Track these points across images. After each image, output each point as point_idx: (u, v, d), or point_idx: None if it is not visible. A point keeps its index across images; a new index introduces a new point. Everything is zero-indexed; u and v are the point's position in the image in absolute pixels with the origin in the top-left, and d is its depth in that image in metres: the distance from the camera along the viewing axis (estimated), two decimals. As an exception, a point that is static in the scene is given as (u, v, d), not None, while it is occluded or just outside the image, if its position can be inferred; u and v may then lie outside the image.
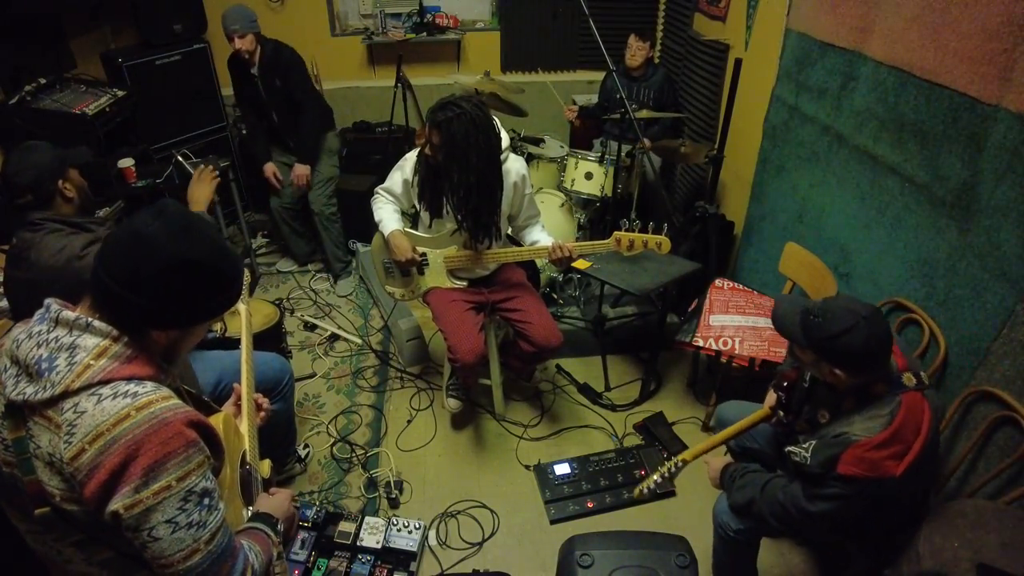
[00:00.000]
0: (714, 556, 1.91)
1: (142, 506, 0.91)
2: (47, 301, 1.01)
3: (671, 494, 2.41)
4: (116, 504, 0.90)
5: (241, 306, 1.71)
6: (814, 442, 1.53)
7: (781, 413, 1.78)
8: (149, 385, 0.97)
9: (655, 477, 1.82)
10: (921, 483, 1.64)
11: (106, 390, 0.93)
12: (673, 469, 1.82)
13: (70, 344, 0.95)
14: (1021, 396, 1.69)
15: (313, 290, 3.67)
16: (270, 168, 3.45)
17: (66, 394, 0.92)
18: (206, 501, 0.98)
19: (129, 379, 0.96)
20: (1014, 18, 1.64)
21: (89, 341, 0.96)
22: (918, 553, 1.54)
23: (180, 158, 2.47)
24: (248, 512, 1.28)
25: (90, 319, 0.97)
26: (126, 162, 3.01)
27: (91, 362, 0.94)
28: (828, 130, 2.48)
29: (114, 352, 0.96)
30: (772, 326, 2.37)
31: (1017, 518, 1.57)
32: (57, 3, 3.12)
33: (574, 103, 4.36)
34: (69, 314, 0.97)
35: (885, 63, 2.14)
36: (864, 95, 2.26)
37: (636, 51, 3.57)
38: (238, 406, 1.48)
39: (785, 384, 1.79)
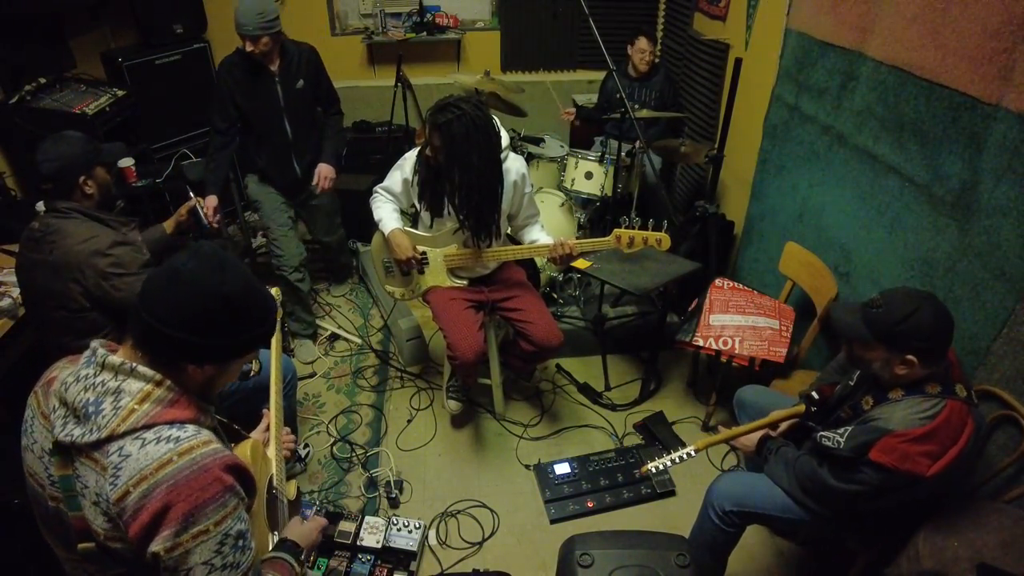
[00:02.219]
0: (691, 534, 1.93)
1: (181, 548, 0.95)
2: (93, 344, 1.04)
3: (671, 494, 2.41)
4: (157, 546, 0.94)
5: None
6: (851, 428, 1.55)
7: (809, 422, 1.81)
8: (190, 429, 1.01)
9: (666, 460, 1.82)
10: (946, 491, 1.64)
11: (150, 434, 0.98)
12: (684, 456, 1.81)
13: (116, 388, 0.99)
14: (1021, 396, 1.69)
15: (313, 290, 3.67)
16: (213, 201, 2.62)
17: (112, 438, 0.97)
18: (240, 543, 1.02)
19: (172, 423, 1.00)
20: (1014, 17, 1.64)
21: (134, 386, 1.00)
22: (918, 552, 1.54)
23: (195, 199, 2.27)
24: (274, 537, 1.30)
25: (134, 364, 1.01)
26: (126, 162, 3.02)
27: (135, 407, 0.98)
28: (828, 130, 2.48)
29: (157, 396, 1.01)
30: (772, 326, 2.40)
31: (1017, 517, 1.57)
32: (57, 3, 3.13)
33: (574, 104, 4.36)
34: (115, 359, 1.01)
35: (885, 63, 2.13)
36: (864, 95, 2.26)
37: (648, 55, 3.59)
38: (267, 429, 1.53)
39: (818, 398, 1.81)
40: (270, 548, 1.26)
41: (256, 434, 1.52)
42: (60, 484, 1.01)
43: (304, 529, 1.32)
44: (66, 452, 1.00)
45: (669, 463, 1.82)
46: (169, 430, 0.99)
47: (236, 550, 1.01)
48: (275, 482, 1.40)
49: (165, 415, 1.00)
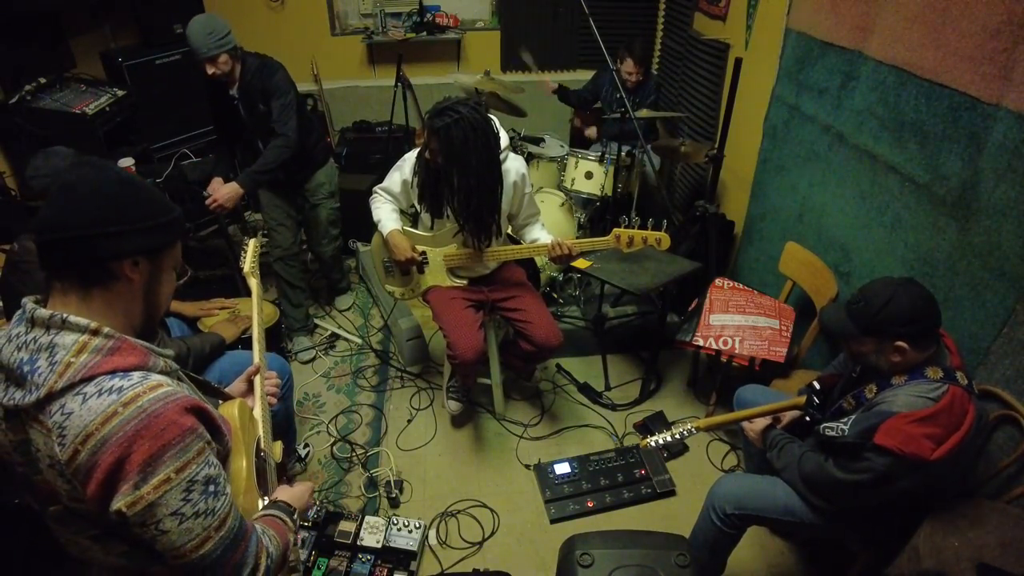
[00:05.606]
0: (691, 534, 1.93)
1: (144, 502, 0.90)
2: (23, 300, 0.98)
3: (671, 494, 2.41)
4: (118, 503, 0.90)
5: (252, 280, 1.69)
6: (854, 416, 1.57)
7: (811, 410, 1.82)
8: (135, 376, 0.94)
9: (666, 435, 1.89)
10: (948, 484, 1.65)
11: (90, 388, 0.91)
12: (685, 432, 1.88)
13: (49, 343, 0.93)
14: (1021, 395, 1.69)
15: (313, 289, 3.67)
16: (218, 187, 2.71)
17: (51, 396, 0.90)
18: (211, 488, 0.97)
19: (113, 373, 0.93)
20: (1014, 17, 1.64)
21: (67, 339, 0.93)
22: (918, 552, 1.54)
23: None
24: (263, 501, 1.26)
25: (65, 315, 0.94)
26: (126, 162, 3.01)
27: (71, 360, 0.92)
28: (828, 129, 2.48)
29: (95, 346, 0.94)
30: (772, 325, 2.41)
31: (1017, 517, 1.57)
32: (57, 2, 3.13)
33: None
34: (43, 312, 0.94)
35: (885, 62, 2.13)
36: (864, 94, 2.26)
37: (635, 75, 3.60)
38: (248, 383, 1.47)
39: (820, 388, 1.82)
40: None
41: (238, 383, 1.46)
42: (19, 450, 0.96)
43: (296, 491, 1.29)
44: (16, 417, 0.94)
45: (669, 438, 1.88)
46: (111, 380, 0.92)
47: (207, 495, 0.95)
48: (262, 444, 1.35)
49: (105, 365, 0.93)
